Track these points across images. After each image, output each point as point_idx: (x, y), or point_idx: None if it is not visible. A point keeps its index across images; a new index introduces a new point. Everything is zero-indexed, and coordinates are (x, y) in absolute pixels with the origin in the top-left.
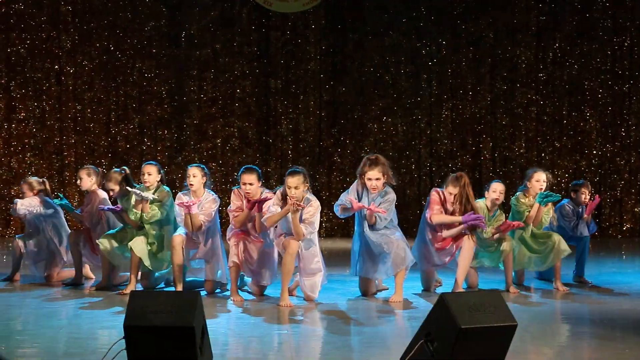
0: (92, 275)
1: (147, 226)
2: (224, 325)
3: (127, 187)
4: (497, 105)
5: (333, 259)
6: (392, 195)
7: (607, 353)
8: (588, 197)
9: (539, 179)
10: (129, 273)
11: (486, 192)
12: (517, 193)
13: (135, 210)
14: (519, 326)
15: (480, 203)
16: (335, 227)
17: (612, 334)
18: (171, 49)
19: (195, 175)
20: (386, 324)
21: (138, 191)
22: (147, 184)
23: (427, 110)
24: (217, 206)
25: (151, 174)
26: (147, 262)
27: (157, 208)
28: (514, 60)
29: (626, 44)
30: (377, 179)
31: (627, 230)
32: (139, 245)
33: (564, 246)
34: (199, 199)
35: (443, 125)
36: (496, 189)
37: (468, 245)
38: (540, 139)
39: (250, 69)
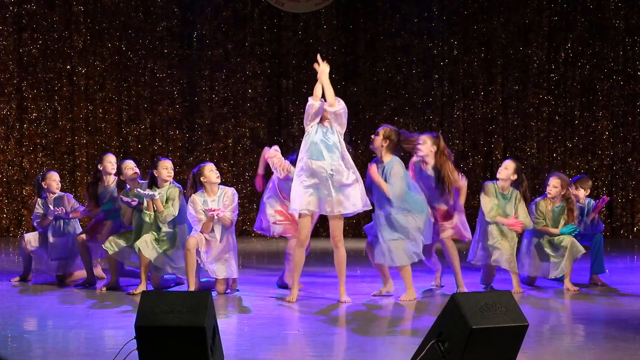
0: (103, 275)
1: (160, 225)
2: (236, 325)
3: (138, 190)
4: (509, 105)
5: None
6: (397, 168)
7: (619, 354)
8: (582, 195)
9: (550, 184)
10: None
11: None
12: (537, 199)
13: (148, 212)
14: (530, 326)
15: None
16: (347, 227)
17: (624, 334)
18: (183, 49)
19: (218, 175)
20: (397, 324)
21: (147, 192)
22: (169, 179)
23: (439, 110)
24: (237, 198)
25: (173, 169)
26: (157, 263)
27: (171, 206)
28: (525, 61)
29: (638, 45)
30: (376, 134)
31: (638, 231)
32: (147, 246)
33: (576, 248)
34: (215, 195)
35: (455, 126)
36: (508, 167)
37: (449, 245)
38: (551, 139)
39: (262, 69)
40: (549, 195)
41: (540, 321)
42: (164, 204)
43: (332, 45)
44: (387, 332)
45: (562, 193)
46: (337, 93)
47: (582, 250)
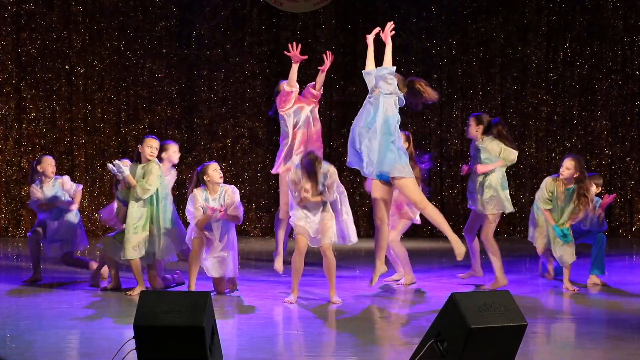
0: (105, 276)
1: (133, 205)
2: (235, 325)
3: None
4: (508, 105)
5: (342, 259)
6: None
7: (619, 353)
8: (593, 191)
9: (564, 165)
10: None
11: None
12: (547, 178)
13: (120, 189)
14: (528, 326)
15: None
16: None
17: (624, 334)
18: (181, 49)
19: (221, 175)
20: (395, 324)
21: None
22: (151, 159)
23: (437, 110)
24: (238, 194)
25: (157, 149)
26: (150, 251)
27: (145, 182)
28: (524, 60)
29: (637, 44)
30: None
31: (637, 230)
32: (128, 246)
33: (564, 259)
34: (216, 194)
35: (453, 125)
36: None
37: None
38: (550, 138)
39: (261, 69)
40: (561, 176)
41: (540, 321)
42: (138, 180)
43: (331, 45)
44: (386, 331)
45: (575, 175)
46: (336, 93)
47: (572, 260)
